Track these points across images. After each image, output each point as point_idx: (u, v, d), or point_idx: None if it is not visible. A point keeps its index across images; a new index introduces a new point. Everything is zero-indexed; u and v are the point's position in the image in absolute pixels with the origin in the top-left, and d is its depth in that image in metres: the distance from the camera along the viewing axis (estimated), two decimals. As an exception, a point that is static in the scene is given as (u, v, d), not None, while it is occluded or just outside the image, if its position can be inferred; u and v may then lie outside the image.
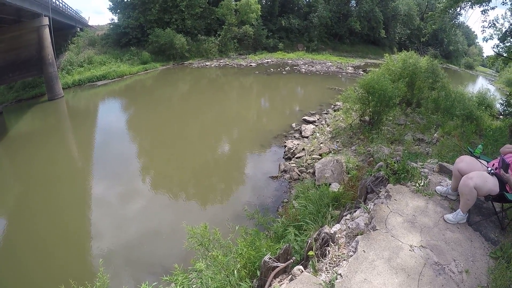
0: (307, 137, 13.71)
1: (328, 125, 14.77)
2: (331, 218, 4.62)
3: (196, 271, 3.88)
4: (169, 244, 7.30)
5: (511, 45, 14.61)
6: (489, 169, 3.49)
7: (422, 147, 9.88)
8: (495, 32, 15.22)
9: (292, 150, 12.20)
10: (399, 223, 3.47)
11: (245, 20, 42.36)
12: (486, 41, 18.18)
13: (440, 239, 3.26)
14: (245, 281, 3.60)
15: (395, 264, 2.92)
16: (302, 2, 54.82)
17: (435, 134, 10.89)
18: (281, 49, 47.51)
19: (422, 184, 4.13)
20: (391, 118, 12.64)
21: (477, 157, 3.83)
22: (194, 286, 3.72)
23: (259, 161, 12.14)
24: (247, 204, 8.35)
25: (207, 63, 37.30)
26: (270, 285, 3.04)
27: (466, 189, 3.33)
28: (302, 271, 2.97)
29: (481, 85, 35.55)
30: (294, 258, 3.46)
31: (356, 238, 3.29)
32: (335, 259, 3.11)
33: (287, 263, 3.30)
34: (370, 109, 11.76)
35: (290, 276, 3.03)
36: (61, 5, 27.94)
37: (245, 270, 3.84)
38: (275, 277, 3.16)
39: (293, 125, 15.56)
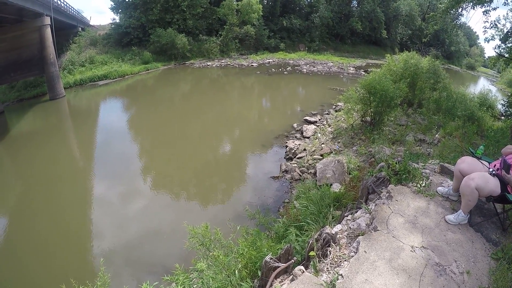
0: (308, 138, 13.70)
1: (329, 126, 14.76)
2: (332, 218, 4.61)
3: (197, 271, 3.88)
4: (170, 244, 7.31)
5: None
6: (491, 170, 3.48)
7: (424, 148, 9.86)
8: (496, 33, 15.21)
9: (293, 150, 12.20)
10: (401, 223, 3.47)
11: (246, 20, 42.36)
12: (488, 41, 18.13)
13: (441, 240, 3.26)
14: (246, 281, 3.60)
15: (396, 264, 2.91)
16: (304, 2, 54.85)
17: (437, 135, 10.87)
18: (282, 49, 47.49)
19: (423, 184, 4.12)
20: (392, 118, 12.63)
21: (478, 158, 3.82)
22: (195, 286, 3.73)
23: (260, 161, 12.14)
24: (248, 204, 8.36)
25: (208, 63, 37.32)
26: (271, 285, 3.04)
27: (467, 190, 3.32)
28: (303, 272, 2.97)
29: (483, 86, 35.47)
30: (295, 258, 3.46)
31: (357, 239, 3.28)
32: (336, 260, 3.11)
33: (288, 263, 3.30)
34: (371, 109, 11.75)
35: (291, 277, 3.03)
36: (62, 4, 28.01)
37: (246, 270, 3.83)
38: (276, 277, 3.16)
39: (295, 125, 15.56)
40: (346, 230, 3.65)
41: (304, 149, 12.14)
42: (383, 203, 3.80)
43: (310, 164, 10.67)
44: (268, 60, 41.13)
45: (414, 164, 4.72)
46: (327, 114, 17.61)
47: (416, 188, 4.09)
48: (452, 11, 15.55)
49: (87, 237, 7.92)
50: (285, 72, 33.85)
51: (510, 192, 3.36)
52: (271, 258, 3.31)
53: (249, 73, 32.86)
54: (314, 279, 2.82)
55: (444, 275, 2.83)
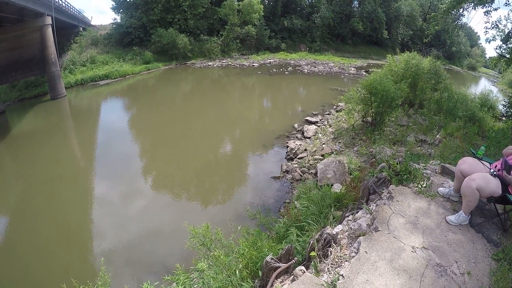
0: (309, 138, 13.70)
1: (330, 126, 14.76)
2: (333, 219, 4.61)
3: (197, 271, 3.89)
4: (171, 244, 7.32)
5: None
6: (492, 170, 3.48)
7: (425, 148, 9.85)
8: (498, 33, 15.21)
9: (294, 151, 12.21)
10: (401, 224, 3.47)
11: (247, 20, 42.33)
12: (489, 42, 18.13)
13: (442, 241, 3.26)
14: (247, 281, 3.60)
15: (397, 265, 2.92)
16: (305, 3, 54.80)
17: (438, 135, 10.86)
18: (283, 49, 47.48)
19: (424, 185, 4.12)
20: (393, 119, 12.62)
21: (479, 159, 3.82)
22: (196, 286, 3.73)
23: (261, 162, 12.14)
24: (249, 204, 8.37)
25: (209, 63, 37.33)
26: (272, 285, 3.04)
27: (468, 191, 3.32)
28: (304, 272, 2.98)
29: (484, 86, 35.54)
30: (296, 258, 3.46)
31: (358, 239, 3.28)
32: (337, 260, 3.11)
33: (289, 263, 3.30)
34: (372, 110, 11.74)
35: (292, 277, 3.03)
36: (63, 4, 28.05)
37: (247, 270, 3.83)
38: (277, 277, 3.16)
39: (295, 125, 15.56)
40: (347, 231, 3.65)
41: (305, 149, 12.14)
42: (384, 204, 3.80)
43: (311, 165, 10.67)
44: (269, 60, 41.14)
45: (415, 164, 4.72)
46: (328, 114, 17.61)
47: (417, 188, 4.09)
48: (453, 12, 15.54)
49: (88, 236, 7.94)
50: (286, 72, 33.85)
51: (511, 193, 3.35)
52: (272, 258, 3.31)
53: (250, 73, 32.86)
54: (315, 279, 2.82)
55: (445, 276, 2.83)
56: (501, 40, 15.15)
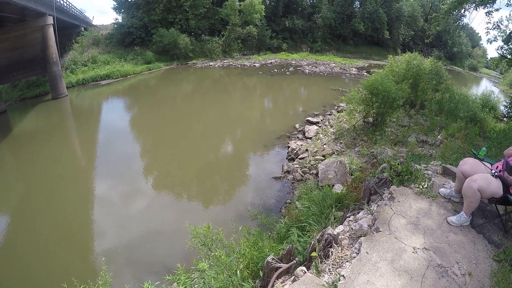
0: (310, 138, 13.69)
1: (331, 126, 14.75)
2: (334, 219, 4.61)
3: (198, 271, 3.90)
4: (172, 244, 7.32)
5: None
6: (493, 171, 3.48)
7: (426, 149, 9.84)
8: (499, 34, 15.18)
9: (295, 151, 12.20)
10: (403, 225, 3.46)
11: (249, 21, 42.36)
12: (490, 43, 18.15)
13: (443, 242, 3.25)
14: (248, 282, 3.60)
15: (398, 266, 2.92)
16: (306, 3, 54.81)
17: (439, 136, 10.85)
18: (284, 49, 47.51)
19: (425, 186, 4.12)
20: (394, 119, 12.59)
21: (481, 160, 3.82)
22: (197, 286, 3.74)
23: (262, 162, 12.14)
24: (250, 204, 8.37)
25: (210, 63, 37.36)
26: (273, 285, 3.04)
27: (469, 192, 3.32)
28: (305, 272, 2.98)
29: (485, 87, 35.47)
30: (297, 259, 3.46)
31: (359, 240, 3.29)
32: (338, 261, 3.11)
33: (290, 264, 3.30)
34: (373, 110, 11.73)
35: (293, 277, 3.03)
36: (65, 4, 28.12)
37: (248, 271, 3.84)
38: (278, 277, 3.17)
39: (297, 126, 15.56)
40: (348, 231, 3.65)
41: (306, 150, 12.14)
42: (385, 204, 3.80)
43: (312, 165, 10.67)
44: (270, 61, 41.16)
45: (416, 165, 4.72)
46: (329, 114, 17.60)
47: (418, 189, 4.09)
48: (454, 12, 15.53)
49: (89, 236, 7.94)
50: (287, 73, 33.84)
51: (513, 194, 3.35)
52: (273, 259, 3.31)
53: (251, 73, 32.87)
54: (316, 279, 2.82)
55: (446, 277, 2.83)
56: (502, 41, 15.14)
